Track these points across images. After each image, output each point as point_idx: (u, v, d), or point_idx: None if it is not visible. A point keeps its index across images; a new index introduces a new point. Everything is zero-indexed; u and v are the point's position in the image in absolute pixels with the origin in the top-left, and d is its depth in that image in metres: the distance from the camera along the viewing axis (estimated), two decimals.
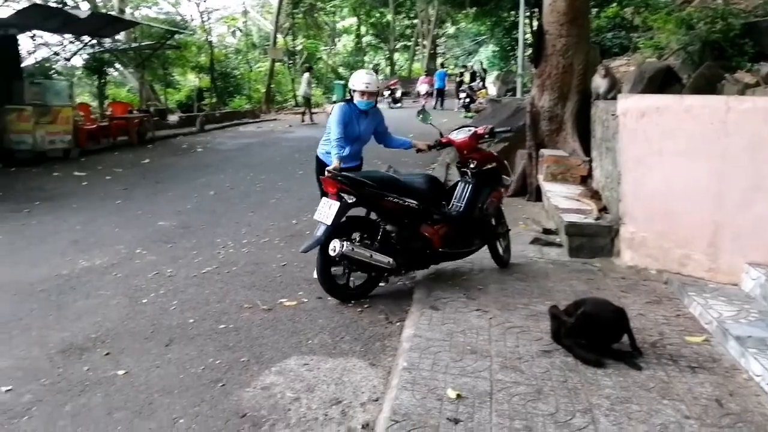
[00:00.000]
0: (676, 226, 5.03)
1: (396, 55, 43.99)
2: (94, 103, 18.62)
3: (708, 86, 7.95)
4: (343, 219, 4.53)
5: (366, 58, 42.03)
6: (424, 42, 40.93)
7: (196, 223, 7.18)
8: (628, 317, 3.68)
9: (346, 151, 4.95)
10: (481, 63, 32.26)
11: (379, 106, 5.33)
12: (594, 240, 5.66)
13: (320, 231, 4.50)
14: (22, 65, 15.05)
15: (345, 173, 4.55)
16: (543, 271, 5.23)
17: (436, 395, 3.13)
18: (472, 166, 5.12)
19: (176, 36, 20.62)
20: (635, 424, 2.89)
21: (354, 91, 4.99)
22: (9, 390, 3.35)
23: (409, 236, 4.78)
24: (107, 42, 18.65)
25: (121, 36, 19.49)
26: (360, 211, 4.80)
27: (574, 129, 8.30)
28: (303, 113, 21.31)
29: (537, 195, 8.06)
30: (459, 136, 5.22)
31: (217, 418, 3.12)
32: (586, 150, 7.91)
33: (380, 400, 3.25)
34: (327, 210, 4.46)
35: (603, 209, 6.17)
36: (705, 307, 4.17)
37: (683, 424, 2.89)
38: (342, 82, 32.72)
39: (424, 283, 4.90)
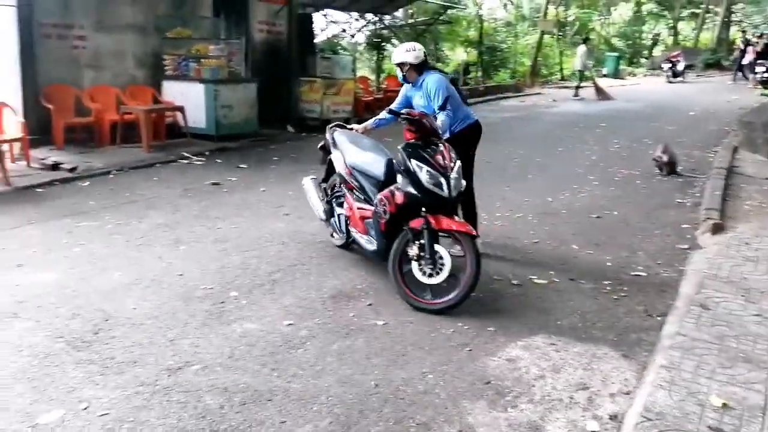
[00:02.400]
0: None
1: (681, 24, 39.54)
2: (372, 77, 20.21)
3: None
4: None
5: (645, 28, 38.49)
6: (717, 8, 36.05)
7: None
8: None
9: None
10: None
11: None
12: None
13: None
14: (315, 41, 16.95)
15: (339, 127, 5.21)
16: None
17: (697, 400, 2.85)
18: None
19: (448, 11, 21.28)
20: None
21: None
22: (290, 324, 3.89)
23: (341, 200, 5.02)
24: (387, 19, 20.04)
25: (399, 13, 20.77)
26: None
27: None
28: (577, 87, 20.36)
29: None
30: None
31: (462, 379, 3.25)
32: None
33: (632, 394, 3.07)
34: None
35: None
36: None
37: None
38: (615, 54, 30.60)
39: (694, 277, 4.45)
